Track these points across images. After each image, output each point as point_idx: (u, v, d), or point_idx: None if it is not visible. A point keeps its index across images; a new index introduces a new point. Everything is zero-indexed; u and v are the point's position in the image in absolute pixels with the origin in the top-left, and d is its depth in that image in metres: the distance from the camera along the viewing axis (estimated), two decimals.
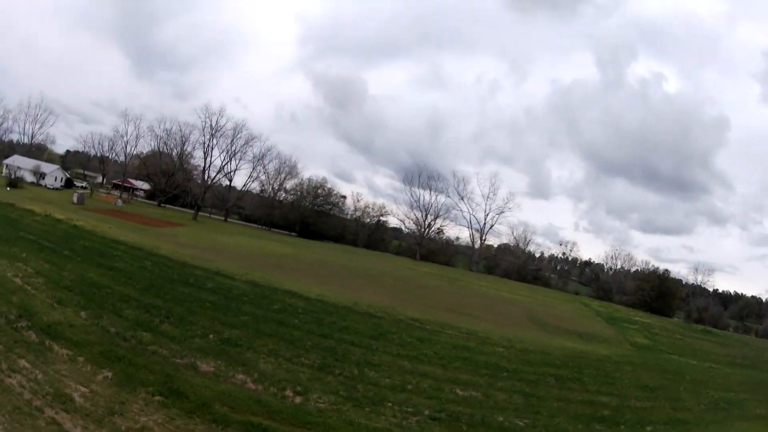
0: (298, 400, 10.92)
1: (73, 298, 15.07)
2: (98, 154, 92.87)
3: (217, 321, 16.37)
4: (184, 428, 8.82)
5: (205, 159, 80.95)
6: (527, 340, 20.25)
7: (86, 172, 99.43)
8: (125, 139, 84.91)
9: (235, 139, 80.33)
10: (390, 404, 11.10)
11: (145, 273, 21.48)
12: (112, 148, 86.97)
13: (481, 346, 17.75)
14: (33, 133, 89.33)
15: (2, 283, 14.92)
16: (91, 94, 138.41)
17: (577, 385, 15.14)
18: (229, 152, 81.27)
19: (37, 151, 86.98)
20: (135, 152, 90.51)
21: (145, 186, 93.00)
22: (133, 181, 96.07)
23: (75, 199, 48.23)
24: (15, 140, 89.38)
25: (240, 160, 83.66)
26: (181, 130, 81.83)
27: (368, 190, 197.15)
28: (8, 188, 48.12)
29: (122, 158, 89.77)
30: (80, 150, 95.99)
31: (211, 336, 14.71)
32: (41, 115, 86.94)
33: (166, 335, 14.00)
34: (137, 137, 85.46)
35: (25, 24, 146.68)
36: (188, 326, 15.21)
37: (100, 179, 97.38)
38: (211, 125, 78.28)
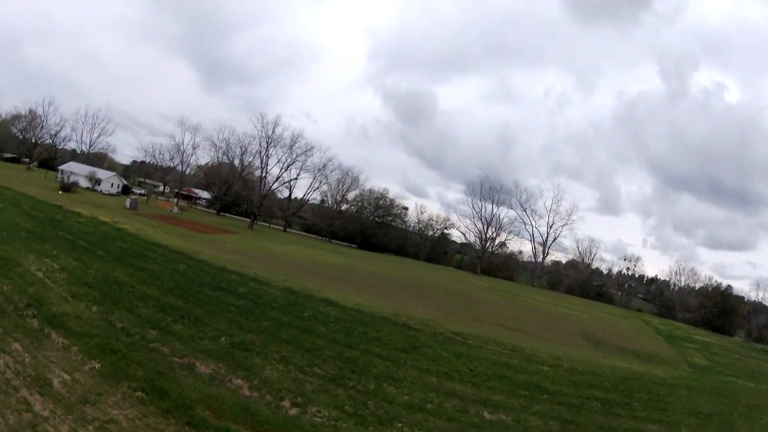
0: (293, 411, 10.49)
1: (90, 294, 16.29)
2: (160, 164, 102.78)
3: (235, 325, 16.75)
4: (154, 427, 8.81)
5: (262, 168, 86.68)
6: (577, 358, 20.09)
7: (147, 180, 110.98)
8: (182, 148, 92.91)
9: (292, 148, 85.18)
10: (400, 425, 10.23)
11: (176, 275, 22.88)
12: (173, 158, 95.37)
13: (524, 364, 17.35)
14: (91, 141, 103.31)
15: (23, 275, 16.65)
16: (160, 108, 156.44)
17: (625, 410, 14.58)
18: (286, 161, 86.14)
19: (97, 159, 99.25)
20: (198, 162, 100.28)
21: (207, 195, 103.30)
22: (195, 190, 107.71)
23: (128, 204, 53.69)
24: (75, 149, 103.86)
25: (300, 170, 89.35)
26: (240, 140, 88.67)
27: (440, 205, 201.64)
28: (60, 192, 54.94)
29: (185, 168, 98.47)
30: (146, 160, 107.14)
31: (223, 339, 14.98)
32: (99, 124, 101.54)
33: (174, 334, 14.50)
34: (194, 146, 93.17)
35: (93, 37, 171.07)
36: (201, 327, 15.68)
37: (161, 188, 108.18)
38: (266, 134, 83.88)
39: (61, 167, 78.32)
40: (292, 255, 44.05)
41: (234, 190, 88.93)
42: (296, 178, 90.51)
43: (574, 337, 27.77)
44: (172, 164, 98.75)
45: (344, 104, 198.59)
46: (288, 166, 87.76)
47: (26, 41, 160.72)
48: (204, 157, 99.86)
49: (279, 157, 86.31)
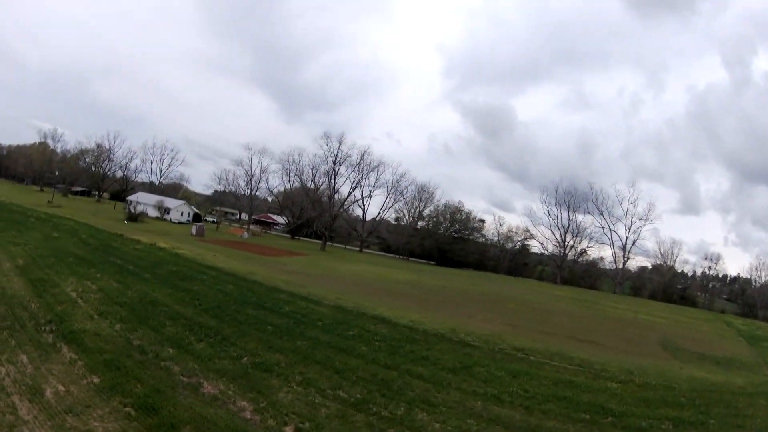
0: None
1: (118, 312, 18.14)
2: (235, 191, 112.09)
3: (266, 344, 17.45)
4: None
5: (330, 187, 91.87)
6: (652, 371, 20.22)
7: (222, 208, 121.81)
8: (251, 172, 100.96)
9: (360, 166, 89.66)
10: None
11: (219, 295, 24.63)
12: (248, 184, 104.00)
13: (590, 382, 17.02)
14: (162, 172, 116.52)
15: (56, 295, 19.03)
16: (242, 139, 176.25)
17: (699, 431, 14.22)
18: (355, 179, 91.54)
19: (172, 189, 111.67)
20: (271, 188, 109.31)
21: (282, 220, 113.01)
22: (272, 215, 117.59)
23: (193, 231, 59.09)
24: (148, 180, 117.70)
25: (373, 188, 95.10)
26: (310, 162, 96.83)
27: (520, 216, 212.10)
28: (126, 222, 61.85)
29: (258, 194, 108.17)
30: (224, 189, 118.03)
31: (245, 359, 15.64)
32: (168, 155, 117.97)
33: (193, 353, 15.46)
34: (262, 170, 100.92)
35: (166, 72, 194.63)
36: (226, 347, 16.55)
37: (238, 215, 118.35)
38: (333, 153, 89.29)
39: (129, 198, 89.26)
40: (358, 274, 45.33)
41: (306, 213, 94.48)
42: (369, 196, 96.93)
43: (652, 347, 28.30)
44: (246, 191, 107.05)
45: (425, 122, 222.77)
46: (357, 184, 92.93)
47: (96, 78, 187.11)
48: (277, 182, 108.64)
49: (348, 175, 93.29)
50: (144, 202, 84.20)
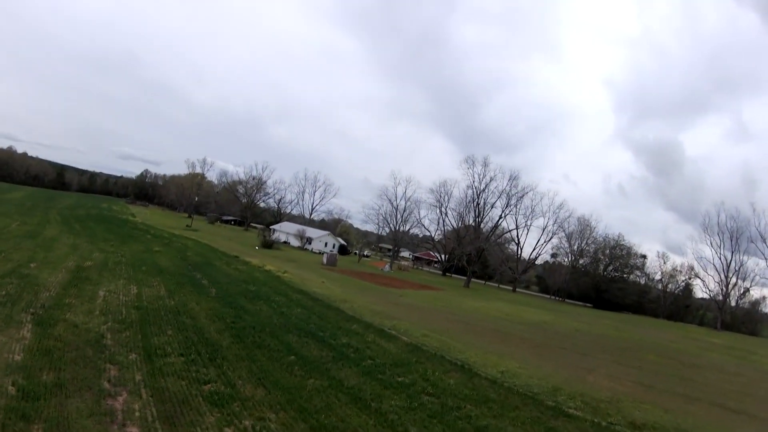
0: None
1: (126, 315, 16.57)
2: (392, 228, 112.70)
3: (255, 376, 13.95)
4: None
5: (476, 216, 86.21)
6: None
7: (381, 244, 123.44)
8: (395, 204, 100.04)
9: (510, 193, 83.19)
10: None
11: (272, 317, 21.94)
12: (393, 216, 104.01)
13: None
14: (314, 205, 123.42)
15: (80, 290, 19.48)
16: (424, 181, 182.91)
17: None
18: (504, 207, 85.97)
19: (334, 223, 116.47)
20: (425, 220, 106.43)
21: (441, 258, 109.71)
22: (432, 253, 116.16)
23: (324, 260, 58.79)
24: (304, 212, 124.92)
25: (529, 218, 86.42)
26: (464, 194, 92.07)
27: (696, 261, 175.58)
28: (256, 248, 64.02)
29: (417, 231, 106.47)
30: (377, 223, 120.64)
31: (208, 386, 12.29)
32: (320, 187, 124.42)
33: (153, 364, 12.70)
34: (406, 200, 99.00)
35: (344, 115, 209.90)
36: (204, 368, 13.44)
37: (394, 250, 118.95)
38: (478, 179, 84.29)
39: (273, 227, 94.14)
40: (480, 311, 40.29)
41: (456, 249, 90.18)
42: (525, 227, 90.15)
43: None
44: (397, 225, 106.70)
45: (599, 162, 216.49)
46: (505, 211, 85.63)
47: (271, 121, 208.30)
48: (429, 216, 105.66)
49: (495, 203, 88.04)
50: (286, 231, 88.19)
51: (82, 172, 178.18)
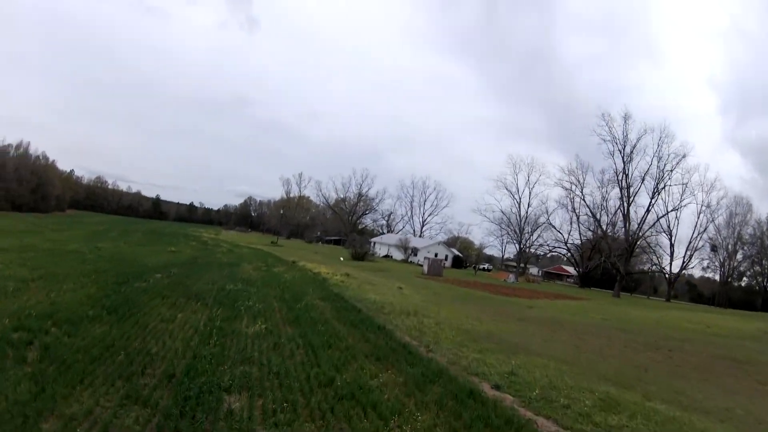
0: None
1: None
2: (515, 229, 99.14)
3: None
4: None
5: (622, 197, 69.24)
6: None
7: (509, 262, 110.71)
8: (520, 204, 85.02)
9: (660, 157, 65.51)
10: None
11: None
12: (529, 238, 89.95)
13: None
14: (423, 221, 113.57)
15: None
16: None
17: None
18: (656, 180, 68.02)
19: (452, 241, 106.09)
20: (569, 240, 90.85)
21: (575, 271, 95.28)
22: (565, 267, 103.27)
23: (425, 268, 48.10)
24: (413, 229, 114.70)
25: (681, 198, 68.91)
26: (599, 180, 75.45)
27: None
28: (341, 259, 54.61)
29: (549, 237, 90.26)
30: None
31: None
32: (431, 194, 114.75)
33: None
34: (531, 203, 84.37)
35: (461, 140, 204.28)
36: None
37: (519, 265, 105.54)
38: (620, 139, 67.80)
39: (373, 239, 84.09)
40: (669, 323, 26.58)
41: (599, 254, 73.79)
42: (676, 210, 69.85)
43: None
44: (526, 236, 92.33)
45: (710, 168, 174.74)
46: (658, 189, 67.35)
47: (385, 150, 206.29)
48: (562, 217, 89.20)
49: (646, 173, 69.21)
50: (387, 242, 78.00)
51: (181, 204, 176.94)
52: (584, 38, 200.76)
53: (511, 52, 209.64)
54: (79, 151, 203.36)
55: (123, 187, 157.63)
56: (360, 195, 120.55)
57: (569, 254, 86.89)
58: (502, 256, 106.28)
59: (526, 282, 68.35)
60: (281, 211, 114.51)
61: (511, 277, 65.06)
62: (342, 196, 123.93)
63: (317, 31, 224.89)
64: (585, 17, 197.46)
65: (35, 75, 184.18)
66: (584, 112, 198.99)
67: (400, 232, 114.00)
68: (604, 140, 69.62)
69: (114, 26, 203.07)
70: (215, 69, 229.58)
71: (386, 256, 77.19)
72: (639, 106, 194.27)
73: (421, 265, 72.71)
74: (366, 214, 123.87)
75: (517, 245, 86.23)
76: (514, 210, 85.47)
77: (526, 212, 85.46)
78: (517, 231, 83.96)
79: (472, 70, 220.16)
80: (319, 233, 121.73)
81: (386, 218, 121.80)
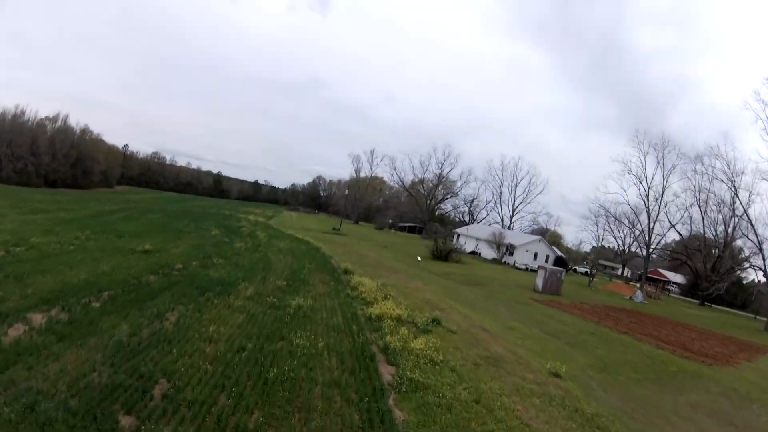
0: None
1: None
2: (619, 246, 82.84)
3: None
4: None
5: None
6: None
7: (604, 262, 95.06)
8: (647, 205, 67.52)
9: None
10: None
11: None
12: (635, 238, 74.19)
13: None
14: (514, 209, 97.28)
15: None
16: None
17: None
18: None
19: (541, 235, 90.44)
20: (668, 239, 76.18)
21: (679, 279, 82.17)
22: (664, 272, 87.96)
23: (539, 283, 34.86)
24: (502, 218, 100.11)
25: None
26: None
27: None
28: (419, 258, 43.02)
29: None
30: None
31: None
32: (522, 181, 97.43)
33: None
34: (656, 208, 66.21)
35: (537, 127, 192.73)
36: None
37: (621, 270, 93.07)
38: None
39: (457, 230, 69.90)
40: None
41: (722, 266, 61.10)
42: None
43: None
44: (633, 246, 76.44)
45: None
46: None
47: (459, 136, 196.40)
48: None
49: None
50: (476, 236, 63.87)
51: (244, 181, 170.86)
52: (654, 29, 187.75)
53: (586, 40, 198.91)
54: (147, 129, 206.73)
55: (182, 163, 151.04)
56: (440, 176, 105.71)
57: (684, 256, 69.55)
58: (597, 255, 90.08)
59: (653, 300, 53.53)
60: (346, 192, 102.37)
61: (639, 296, 50.02)
62: (420, 177, 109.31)
63: (393, 18, 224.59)
64: (651, 6, 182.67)
65: (109, 56, 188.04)
66: (655, 105, 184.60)
67: (483, 222, 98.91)
68: (758, 118, 51.58)
69: (184, 7, 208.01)
70: (288, 50, 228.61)
71: (473, 253, 63.21)
72: (708, 101, 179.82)
73: (521, 269, 58.71)
74: (446, 198, 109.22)
75: (643, 248, 66.74)
76: (638, 202, 67.89)
77: (657, 205, 66.67)
78: (646, 229, 64.81)
79: (548, 57, 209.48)
80: (392, 219, 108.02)
81: (469, 205, 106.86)
